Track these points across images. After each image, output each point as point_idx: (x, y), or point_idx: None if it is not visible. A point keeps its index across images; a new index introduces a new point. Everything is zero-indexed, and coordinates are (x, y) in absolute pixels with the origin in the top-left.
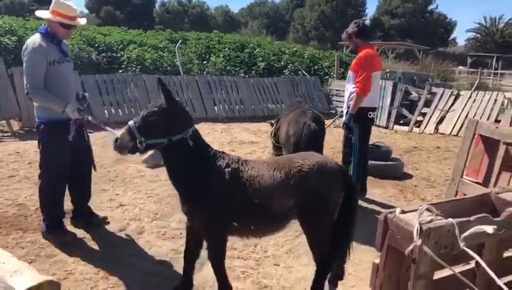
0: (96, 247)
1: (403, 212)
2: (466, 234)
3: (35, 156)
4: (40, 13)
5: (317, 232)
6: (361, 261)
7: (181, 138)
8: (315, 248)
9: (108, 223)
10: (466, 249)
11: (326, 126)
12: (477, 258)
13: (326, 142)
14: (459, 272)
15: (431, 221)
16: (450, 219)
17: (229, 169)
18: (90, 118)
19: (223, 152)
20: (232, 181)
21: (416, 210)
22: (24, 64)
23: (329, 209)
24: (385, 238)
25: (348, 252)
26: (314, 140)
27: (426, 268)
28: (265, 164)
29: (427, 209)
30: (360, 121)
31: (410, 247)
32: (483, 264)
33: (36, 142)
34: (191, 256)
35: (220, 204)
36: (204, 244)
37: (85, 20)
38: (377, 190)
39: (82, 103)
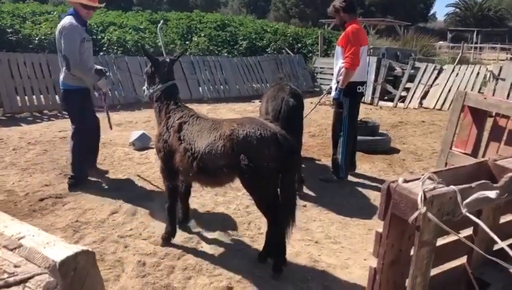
0: (89, 230)
1: (405, 181)
2: (468, 200)
3: (19, 142)
4: None
5: (255, 194)
6: (354, 235)
7: (159, 90)
8: (258, 207)
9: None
10: (469, 214)
11: (314, 105)
12: (480, 222)
13: (314, 120)
14: (458, 239)
15: (434, 189)
16: (452, 186)
17: (179, 121)
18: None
19: (186, 107)
20: (178, 131)
21: (418, 179)
22: (64, 42)
23: (261, 173)
24: (388, 207)
25: (292, 214)
26: (292, 115)
27: (430, 235)
28: (211, 122)
29: (429, 178)
30: (350, 95)
31: (415, 215)
32: (486, 228)
33: (19, 128)
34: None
35: (168, 149)
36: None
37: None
38: (366, 165)
39: (101, 76)
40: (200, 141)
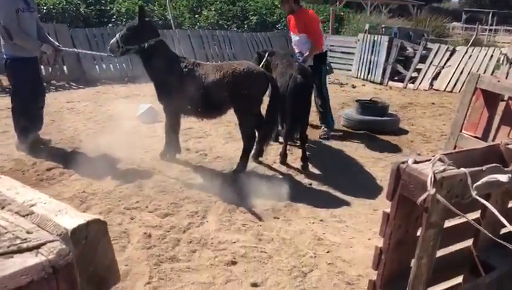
0: (96, 201)
1: (415, 162)
2: (479, 183)
3: None
4: None
5: (243, 120)
6: (359, 214)
7: (148, 45)
8: (242, 131)
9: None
10: (478, 197)
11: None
12: (489, 205)
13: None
14: (465, 222)
15: (444, 170)
16: (463, 169)
17: (186, 68)
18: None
19: (184, 58)
20: (187, 76)
21: (428, 160)
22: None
23: (253, 102)
24: (397, 187)
25: (270, 136)
26: (300, 92)
27: (438, 217)
28: (212, 66)
29: (440, 160)
30: (324, 62)
31: (424, 196)
32: (495, 211)
33: None
34: None
35: (176, 92)
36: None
37: None
38: (373, 145)
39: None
40: (207, 81)
